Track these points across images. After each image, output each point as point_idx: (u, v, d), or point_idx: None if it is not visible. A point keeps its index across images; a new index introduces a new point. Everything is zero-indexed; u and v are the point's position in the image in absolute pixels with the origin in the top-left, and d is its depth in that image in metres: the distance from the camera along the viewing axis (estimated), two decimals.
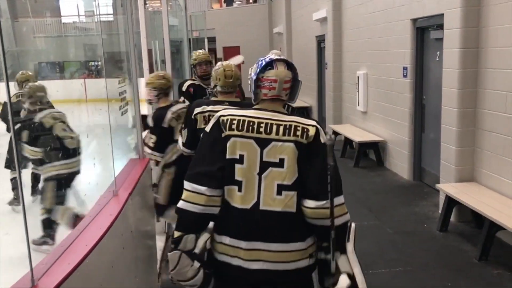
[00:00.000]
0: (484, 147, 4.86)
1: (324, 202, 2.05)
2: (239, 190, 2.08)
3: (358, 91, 8.44)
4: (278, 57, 2.22)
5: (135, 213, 3.04)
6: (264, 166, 2.08)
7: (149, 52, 6.22)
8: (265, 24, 19.17)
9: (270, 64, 2.19)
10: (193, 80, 4.78)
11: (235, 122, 2.12)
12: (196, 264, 2.15)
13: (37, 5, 15.44)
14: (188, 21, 8.07)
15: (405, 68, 6.61)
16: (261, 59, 2.23)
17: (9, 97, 1.80)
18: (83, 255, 1.98)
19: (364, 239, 4.84)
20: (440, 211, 5.15)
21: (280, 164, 2.08)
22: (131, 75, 3.76)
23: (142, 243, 3.26)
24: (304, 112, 13.06)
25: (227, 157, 2.09)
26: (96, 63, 14.62)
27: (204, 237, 2.17)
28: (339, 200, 2.14)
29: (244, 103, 3.23)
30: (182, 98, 4.74)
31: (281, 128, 2.12)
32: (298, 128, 2.14)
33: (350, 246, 2.18)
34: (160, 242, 4.48)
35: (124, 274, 2.70)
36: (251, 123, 2.11)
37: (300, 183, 2.09)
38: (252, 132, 2.10)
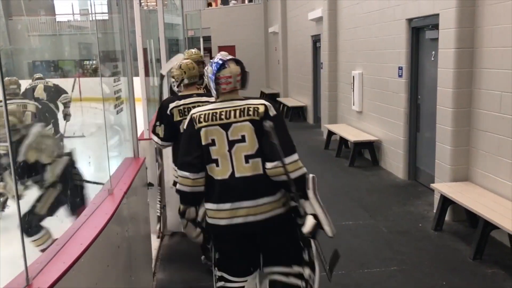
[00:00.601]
0: (479, 147, 4.89)
1: (276, 162, 2.62)
2: (217, 165, 2.68)
3: (353, 90, 8.46)
4: (228, 58, 2.76)
5: (130, 212, 3.03)
6: (231, 143, 2.67)
7: (144, 51, 6.19)
8: (261, 23, 19.16)
9: (223, 65, 2.72)
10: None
11: (202, 116, 2.71)
12: (198, 229, 2.87)
13: (31, 3, 15.36)
14: (183, 20, 8.06)
15: (400, 68, 6.63)
16: (213, 61, 2.76)
17: (4, 96, 1.79)
18: (78, 254, 1.98)
19: (359, 238, 4.86)
20: (434, 211, 5.17)
21: (243, 139, 2.67)
22: (127, 74, 3.75)
23: (137, 242, 3.25)
24: (300, 111, 13.08)
25: (203, 143, 2.68)
26: (91, 62, 14.56)
27: (203, 209, 2.79)
28: (291, 158, 2.65)
29: (208, 94, 3.74)
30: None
31: (238, 112, 2.69)
32: (250, 108, 2.69)
33: (310, 193, 2.70)
34: (155, 242, 4.48)
35: (120, 273, 2.69)
36: (215, 114, 2.70)
37: (261, 150, 2.67)
38: (216, 120, 2.69)
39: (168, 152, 4.78)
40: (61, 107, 7.11)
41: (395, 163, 7.02)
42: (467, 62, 4.90)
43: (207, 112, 2.72)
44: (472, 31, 4.85)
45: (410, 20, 6.36)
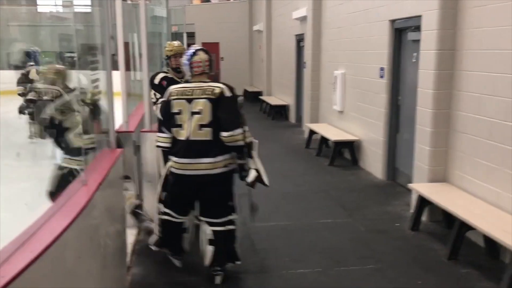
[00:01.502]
0: (457, 148, 4.93)
1: (231, 132, 3.55)
2: (181, 129, 3.63)
3: (335, 90, 8.48)
4: (198, 48, 3.73)
5: (105, 204, 2.98)
6: (192, 114, 3.59)
7: (126, 45, 6.10)
8: (245, 21, 19.12)
9: (195, 53, 3.68)
10: (166, 72, 4.69)
11: (175, 91, 3.69)
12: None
13: None
14: (171, 14, 7.98)
15: (382, 69, 6.66)
16: (188, 51, 3.72)
17: None
18: (47, 244, 1.92)
19: (337, 236, 4.87)
20: (412, 211, 5.21)
21: (199, 112, 3.58)
22: (106, 68, 3.69)
23: (111, 235, 3.20)
24: (282, 110, 13.08)
25: (172, 111, 3.65)
26: (72, 55, 14.32)
27: (170, 162, 3.74)
28: (241, 130, 3.59)
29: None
30: (152, 92, 4.61)
31: (200, 90, 3.61)
32: (209, 89, 3.61)
33: (255, 153, 3.78)
34: (131, 236, 4.41)
35: (92, 265, 2.64)
36: (184, 90, 3.66)
37: (216, 122, 3.56)
38: (184, 95, 3.63)
39: (147, 146, 4.72)
40: None
41: (374, 163, 7.06)
42: (448, 64, 4.95)
43: (180, 88, 3.68)
44: (454, 33, 4.89)
45: (393, 21, 6.40)
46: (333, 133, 8.17)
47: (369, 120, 7.15)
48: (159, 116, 3.93)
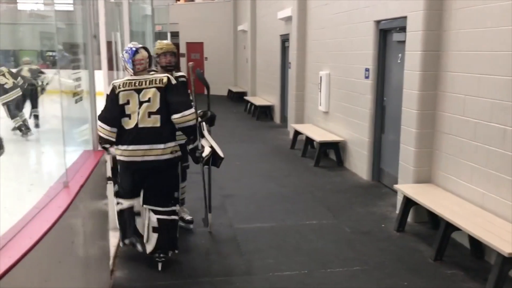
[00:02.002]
0: (442, 149, 4.95)
1: (182, 113, 3.83)
2: (129, 119, 3.80)
3: (320, 91, 8.47)
4: (139, 46, 3.92)
5: (87, 207, 2.90)
6: (141, 103, 3.79)
7: (109, 44, 6.01)
8: (230, 21, 19.06)
9: (137, 51, 3.87)
10: (155, 71, 4.61)
11: (121, 84, 3.84)
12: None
13: None
14: (154, 14, 7.88)
15: (367, 70, 6.67)
16: (129, 49, 3.89)
17: None
18: (27, 249, 1.85)
19: (322, 238, 4.84)
20: (397, 212, 5.21)
21: (149, 100, 3.80)
22: (88, 67, 3.61)
23: (93, 238, 3.12)
24: (267, 111, 13.05)
25: (120, 103, 3.79)
26: (53, 53, 14.08)
27: (118, 151, 3.86)
28: (191, 110, 3.90)
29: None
30: None
31: (147, 82, 3.85)
32: (157, 79, 3.86)
33: (205, 132, 4.28)
34: (113, 238, 4.32)
35: (73, 269, 2.56)
36: (130, 83, 3.84)
37: (165, 109, 3.81)
38: (131, 86, 3.82)
39: None
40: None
41: (359, 164, 7.06)
42: (433, 65, 4.96)
43: (125, 81, 3.86)
44: (439, 34, 4.90)
45: (378, 22, 6.40)
46: (318, 134, 8.16)
47: (354, 120, 7.16)
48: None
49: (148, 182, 3.93)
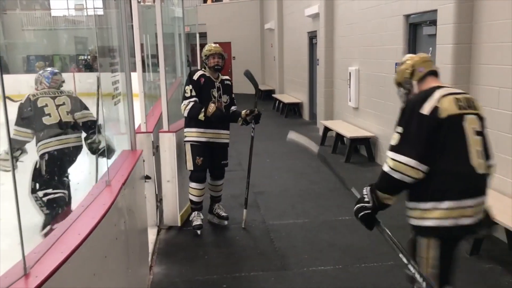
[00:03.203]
0: None
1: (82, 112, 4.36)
2: (50, 116, 4.18)
3: (349, 87, 8.45)
4: (57, 71, 4.48)
5: (128, 204, 3.00)
6: (57, 106, 4.22)
7: (141, 46, 6.15)
8: (257, 20, 19.11)
9: (55, 73, 4.41)
10: (204, 71, 4.76)
11: (39, 94, 4.25)
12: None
13: None
14: (183, 16, 8.01)
15: (397, 64, 6.61)
16: (50, 72, 4.42)
17: (3, 90, 1.70)
18: (76, 245, 1.95)
19: (356, 233, 4.84)
20: None
21: (64, 104, 4.26)
22: (124, 69, 3.72)
23: (134, 235, 3.23)
24: (295, 108, 13.07)
25: (38, 106, 4.16)
26: (85, 57, 14.44)
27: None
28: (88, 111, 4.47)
29: None
30: (189, 87, 4.63)
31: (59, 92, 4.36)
32: (65, 91, 4.38)
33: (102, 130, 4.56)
34: (151, 235, 4.45)
35: (117, 265, 2.66)
36: (49, 92, 4.29)
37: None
38: (49, 94, 4.26)
39: (164, 146, 4.76)
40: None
41: None
42: (465, 58, 4.90)
43: (45, 91, 4.28)
44: (470, 27, 4.84)
45: (407, 16, 6.35)
46: (349, 130, 8.14)
47: (385, 115, 7.11)
48: (184, 113, 4.56)
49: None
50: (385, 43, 7.00)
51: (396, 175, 2.41)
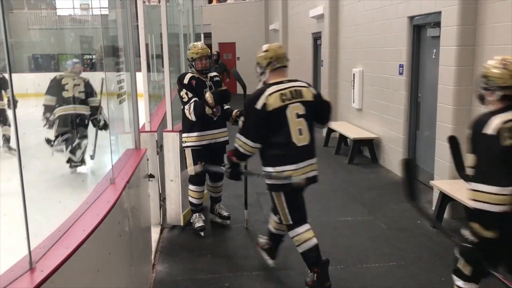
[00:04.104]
0: None
1: None
2: (67, 92, 5.59)
3: (353, 88, 8.46)
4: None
5: (132, 202, 3.04)
6: (74, 85, 5.46)
7: (146, 46, 6.18)
8: (261, 20, 19.15)
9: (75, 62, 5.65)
10: (192, 72, 4.70)
11: (65, 75, 5.83)
12: None
13: None
14: (186, 16, 8.02)
15: (401, 66, 6.63)
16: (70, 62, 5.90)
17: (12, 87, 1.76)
18: (81, 240, 1.98)
19: (358, 234, 4.87)
20: (433, 208, 5.18)
21: (79, 85, 5.76)
22: (129, 69, 3.76)
23: (137, 233, 3.26)
24: None
25: (62, 84, 5.41)
26: (90, 57, 14.48)
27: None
28: None
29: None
30: (184, 91, 4.52)
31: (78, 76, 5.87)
32: (82, 77, 5.65)
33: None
34: (154, 234, 4.48)
35: (120, 262, 2.70)
36: (71, 75, 6.07)
37: None
38: (70, 76, 5.85)
39: (169, 145, 4.79)
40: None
41: (394, 160, 7.03)
42: (469, 60, 4.92)
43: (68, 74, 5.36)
44: (474, 29, 4.86)
45: (411, 18, 6.36)
46: (352, 131, 8.16)
47: (389, 117, 7.13)
48: (192, 116, 4.46)
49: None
50: (389, 44, 7.02)
51: (241, 150, 3.50)
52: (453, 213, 5.09)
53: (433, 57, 5.91)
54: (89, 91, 6.41)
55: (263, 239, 4.14)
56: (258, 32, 19.16)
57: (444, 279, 3.87)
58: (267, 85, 3.51)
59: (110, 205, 2.41)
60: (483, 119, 2.63)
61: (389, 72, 7.04)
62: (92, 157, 6.30)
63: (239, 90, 4.85)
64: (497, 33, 4.56)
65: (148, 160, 3.99)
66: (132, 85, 3.72)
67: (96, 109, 6.40)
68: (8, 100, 8.09)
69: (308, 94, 3.58)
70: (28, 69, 13.18)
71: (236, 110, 4.82)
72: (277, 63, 3.56)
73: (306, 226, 3.64)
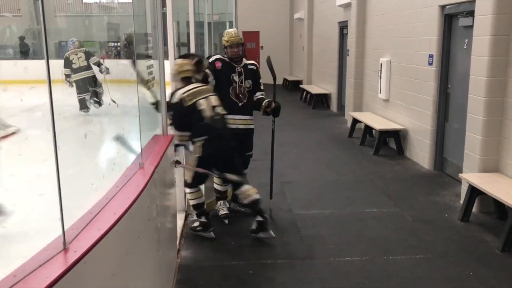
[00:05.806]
0: (511, 138, 4.77)
1: None
2: (74, 63, 8.82)
3: (380, 78, 8.33)
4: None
5: (160, 187, 3.04)
6: (78, 58, 8.68)
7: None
8: (286, 9, 18.99)
9: (73, 41, 8.62)
10: (224, 57, 4.74)
11: (70, 52, 9.34)
12: None
13: None
14: (209, 4, 8.00)
15: (430, 56, 6.49)
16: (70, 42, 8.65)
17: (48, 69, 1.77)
18: (112, 223, 1.99)
19: (383, 225, 4.81)
20: (461, 201, 5.08)
21: (81, 57, 9.05)
22: (158, 56, 3.75)
23: (165, 218, 3.27)
24: (323, 99, 12.97)
25: (70, 59, 8.52)
26: (115, 44, 14.59)
27: None
28: None
29: None
30: (208, 70, 4.58)
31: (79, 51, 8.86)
32: (82, 49, 9.05)
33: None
34: (179, 220, 4.50)
35: (149, 245, 2.71)
36: (75, 51, 9.41)
37: None
38: (74, 52, 9.23)
39: None
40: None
41: (421, 152, 6.91)
42: (503, 50, 4.77)
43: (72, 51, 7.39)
44: (510, 18, 4.70)
45: (443, 7, 6.21)
46: (378, 122, 8.05)
47: (416, 108, 7.00)
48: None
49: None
50: (418, 34, 6.87)
51: (176, 140, 4.08)
52: (482, 207, 4.98)
53: (465, 47, 5.76)
54: (88, 55, 9.73)
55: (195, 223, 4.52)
56: (283, 21, 19.02)
57: (473, 273, 3.79)
58: (176, 89, 4.27)
59: (140, 189, 2.41)
60: None
61: (418, 62, 6.90)
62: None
63: (269, 79, 4.78)
64: None
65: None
66: (160, 72, 3.72)
67: (98, 64, 9.77)
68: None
69: (207, 91, 4.35)
70: (55, 56, 13.36)
71: (265, 102, 4.76)
72: (183, 75, 4.33)
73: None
